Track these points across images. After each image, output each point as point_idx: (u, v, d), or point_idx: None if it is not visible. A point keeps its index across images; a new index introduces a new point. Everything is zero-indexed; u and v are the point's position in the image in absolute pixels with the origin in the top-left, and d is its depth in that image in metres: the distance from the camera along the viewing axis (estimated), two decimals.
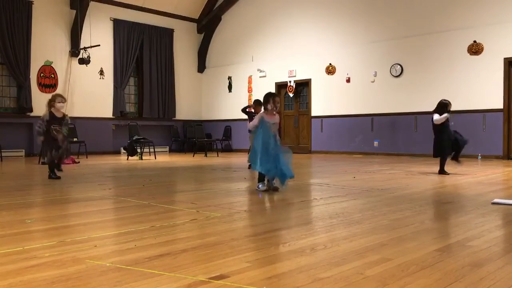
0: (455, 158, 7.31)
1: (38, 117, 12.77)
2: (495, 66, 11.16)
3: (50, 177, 6.72)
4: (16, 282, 2.02)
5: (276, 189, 5.20)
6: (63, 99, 6.84)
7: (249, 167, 5.74)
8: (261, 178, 5.33)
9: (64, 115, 6.86)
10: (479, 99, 11.33)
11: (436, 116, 7.20)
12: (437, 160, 7.41)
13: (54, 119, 6.68)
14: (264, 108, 5.40)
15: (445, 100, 7.43)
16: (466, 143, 7.30)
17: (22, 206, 4.33)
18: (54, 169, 6.80)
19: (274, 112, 5.33)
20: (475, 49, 11.45)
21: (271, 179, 5.21)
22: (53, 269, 2.21)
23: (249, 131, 5.51)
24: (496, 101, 11.15)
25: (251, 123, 5.40)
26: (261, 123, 5.16)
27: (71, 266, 2.26)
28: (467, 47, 11.56)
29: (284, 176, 5.01)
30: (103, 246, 2.71)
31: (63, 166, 7.10)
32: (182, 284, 1.99)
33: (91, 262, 2.33)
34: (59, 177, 6.71)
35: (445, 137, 7.20)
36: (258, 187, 5.32)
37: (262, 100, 5.55)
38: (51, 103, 6.72)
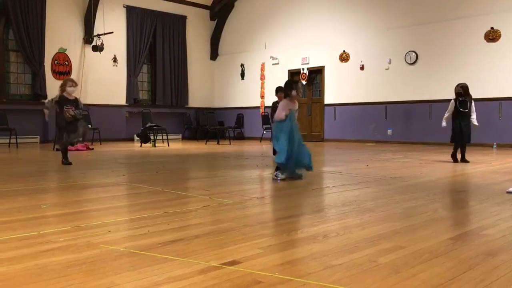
0: (462, 158, 7.24)
1: None
2: None
3: (63, 163, 6.80)
4: (32, 266, 2.05)
5: (300, 177, 5.13)
6: (73, 83, 6.91)
7: (274, 153, 5.56)
8: (279, 167, 5.16)
9: (76, 98, 6.92)
10: (496, 87, 11.15)
11: (446, 113, 7.31)
12: (452, 148, 7.37)
13: (66, 101, 6.75)
14: (286, 95, 5.19)
15: (458, 86, 7.32)
16: (465, 142, 7.23)
17: (37, 191, 4.39)
18: (67, 154, 6.88)
19: (296, 100, 5.21)
20: (492, 36, 11.25)
21: (290, 171, 5.13)
22: (67, 253, 2.24)
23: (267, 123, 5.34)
24: None
25: (278, 113, 5.14)
26: (290, 113, 5.04)
27: (85, 250, 2.29)
28: (484, 34, 11.36)
29: (306, 166, 5.06)
30: (117, 231, 2.74)
31: (77, 153, 7.17)
32: (194, 269, 2.00)
33: (105, 247, 2.35)
34: (71, 163, 6.78)
35: (455, 124, 7.18)
36: (276, 175, 5.12)
37: (283, 87, 5.37)
38: (62, 87, 6.81)
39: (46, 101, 7.03)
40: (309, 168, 5.18)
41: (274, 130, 5.31)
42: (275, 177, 5.12)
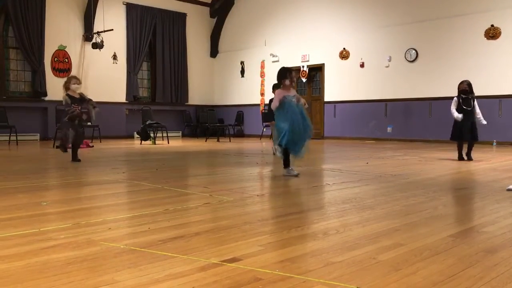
0: (467, 155, 7.19)
1: (53, 101, 13.01)
2: None
3: (73, 159, 6.80)
4: (33, 263, 2.05)
5: (297, 176, 5.09)
6: (77, 80, 6.91)
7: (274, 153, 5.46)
8: (287, 163, 5.08)
9: (81, 94, 6.91)
10: (496, 85, 11.15)
11: (452, 107, 7.17)
12: (452, 145, 7.35)
13: (73, 100, 6.75)
14: (280, 85, 5.08)
15: (464, 83, 7.25)
16: (472, 140, 7.17)
17: (38, 189, 4.39)
18: (76, 151, 6.89)
19: (291, 88, 5.08)
20: (492, 33, 11.24)
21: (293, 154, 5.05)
22: (68, 250, 2.25)
23: (267, 120, 5.22)
24: None
25: (272, 103, 5.08)
26: (284, 101, 4.91)
27: (86, 248, 2.29)
28: (484, 31, 11.35)
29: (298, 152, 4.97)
30: (117, 228, 2.74)
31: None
32: (195, 266, 2.00)
33: (105, 244, 2.35)
34: (79, 160, 6.81)
35: (457, 122, 7.11)
36: (288, 172, 5.04)
37: (277, 76, 5.19)
38: (66, 85, 6.80)
39: (66, 108, 6.85)
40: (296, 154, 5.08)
41: (275, 120, 5.18)
42: (287, 175, 5.07)
